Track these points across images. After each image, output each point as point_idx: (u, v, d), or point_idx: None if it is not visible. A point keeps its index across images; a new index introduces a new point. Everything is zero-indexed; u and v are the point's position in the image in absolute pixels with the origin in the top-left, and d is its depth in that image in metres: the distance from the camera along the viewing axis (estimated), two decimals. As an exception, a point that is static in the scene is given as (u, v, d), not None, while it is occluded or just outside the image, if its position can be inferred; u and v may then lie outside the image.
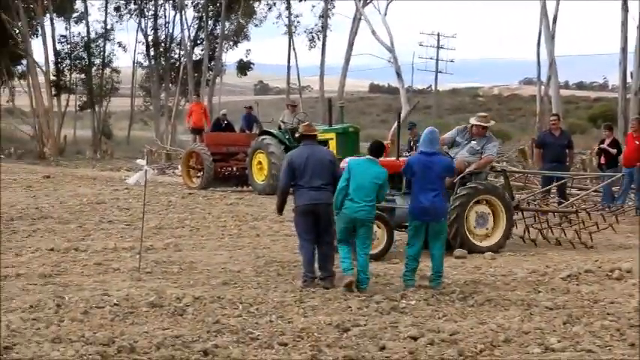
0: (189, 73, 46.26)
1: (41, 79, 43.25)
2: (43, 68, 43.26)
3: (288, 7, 47.21)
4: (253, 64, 52.13)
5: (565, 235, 13.91)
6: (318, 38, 46.70)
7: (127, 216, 16.74)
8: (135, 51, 51.78)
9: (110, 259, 11.91)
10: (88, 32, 49.74)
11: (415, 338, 7.72)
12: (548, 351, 7.40)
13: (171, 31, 50.87)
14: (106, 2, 50.31)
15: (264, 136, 22.36)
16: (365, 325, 8.24)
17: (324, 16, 45.49)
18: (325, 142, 19.65)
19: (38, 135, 42.43)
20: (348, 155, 15.55)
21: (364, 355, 7.25)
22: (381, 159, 10.60)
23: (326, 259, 10.33)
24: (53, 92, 45.61)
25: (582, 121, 56.84)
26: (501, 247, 13.01)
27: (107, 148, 43.52)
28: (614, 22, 31.34)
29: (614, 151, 18.54)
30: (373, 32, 35.64)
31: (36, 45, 46.76)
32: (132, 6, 50.67)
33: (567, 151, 17.72)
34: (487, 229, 12.99)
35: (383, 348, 7.45)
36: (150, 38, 50.70)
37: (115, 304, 8.75)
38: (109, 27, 50.65)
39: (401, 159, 12.85)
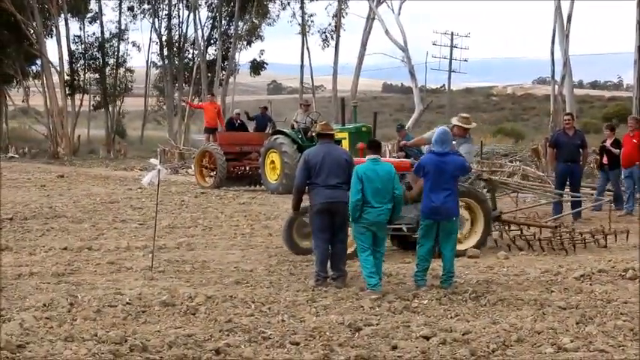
0: (202, 73, 46.33)
1: (55, 78, 43.43)
2: (58, 68, 43.43)
3: (302, 7, 47.24)
4: (267, 63, 52.19)
5: (552, 246, 13.43)
6: (332, 38, 46.72)
7: (140, 215, 16.79)
8: (149, 51, 52.01)
9: (123, 258, 11.94)
10: (102, 32, 49.98)
11: (427, 338, 7.71)
12: (560, 351, 7.37)
13: (184, 30, 51.04)
14: (120, 2, 50.53)
15: (277, 136, 22.38)
16: (377, 324, 8.23)
17: (338, 15, 45.47)
18: (338, 142, 19.65)
19: (52, 134, 42.59)
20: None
21: (376, 355, 7.24)
22: (356, 159, 10.76)
23: (339, 259, 10.33)
24: (67, 92, 45.78)
25: (596, 121, 56.58)
26: (482, 245, 12.68)
27: (120, 148, 43.67)
28: (629, 21, 31.19)
29: (616, 151, 18.47)
30: (387, 32, 35.62)
31: (50, 45, 46.96)
32: (145, 6, 50.84)
33: (581, 150, 17.65)
34: (461, 233, 12.41)
35: (395, 347, 7.44)
36: (164, 38, 50.83)
37: (128, 303, 8.77)
38: (123, 27, 50.89)
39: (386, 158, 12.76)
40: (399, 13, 36.92)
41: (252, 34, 50.13)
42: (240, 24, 48.11)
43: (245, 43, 50.11)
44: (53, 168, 31.76)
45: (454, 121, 12.98)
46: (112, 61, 50.69)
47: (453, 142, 12.71)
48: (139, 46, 52.94)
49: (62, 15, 45.91)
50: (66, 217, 16.29)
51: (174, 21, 51.12)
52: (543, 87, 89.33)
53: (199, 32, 48.70)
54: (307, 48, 46.93)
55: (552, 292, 9.87)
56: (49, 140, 43.05)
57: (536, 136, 45.67)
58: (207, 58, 48.48)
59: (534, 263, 11.92)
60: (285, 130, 22.83)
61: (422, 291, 9.78)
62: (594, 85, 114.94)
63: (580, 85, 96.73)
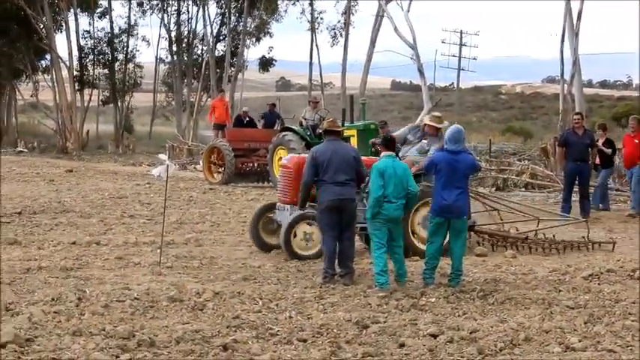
0: (211, 69, 46.36)
1: (65, 73, 43.51)
2: (67, 63, 43.51)
3: (312, 4, 47.21)
4: (275, 60, 52.19)
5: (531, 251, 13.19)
6: (341, 35, 46.70)
7: (148, 211, 16.81)
8: (158, 46, 52.05)
9: (131, 254, 11.96)
10: (112, 27, 50.05)
11: (435, 336, 7.70)
12: (568, 350, 7.36)
13: (193, 26, 51.08)
14: (130, -2, 50.53)
15: (285, 133, 22.38)
16: (384, 322, 8.23)
17: (347, 12, 45.44)
18: (347, 139, 19.62)
19: (61, 129, 42.66)
20: (369, 153, 15.53)
21: (383, 352, 7.24)
22: None
23: (346, 256, 10.34)
24: (76, 87, 45.88)
25: (605, 120, 56.43)
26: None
27: (129, 143, 43.73)
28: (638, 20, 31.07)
29: (608, 150, 18.53)
30: (396, 29, 35.53)
31: (60, 40, 47.10)
32: (155, 1, 50.86)
33: (590, 149, 17.62)
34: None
35: (402, 345, 7.44)
36: (173, 34, 50.87)
37: (136, 298, 8.78)
38: (132, 22, 50.93)
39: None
40: (409, 11, 36.84)
41: (261, 31, 50.14)
42: (249, 20, 48.11)
43: (254, 39, 50.14)
44: (62, 163, 31.82)
45: (426, 119, 12.90)
46: (121, 56, 50.79)
47: (424, 141, 12.62)
48: (148, 42, 52.90)
49: (72, 10, 45.98)
50: (74, 212, 16.32)
51: (184, 17, 51.23)
52: (552, 86, 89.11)
53: (208, 28, 48.79)
54: (316, 45, 46.96)
55: (560, 291, 9.85)
56: (58, 135, 43.13)
57: (545, 135, 45.58)
58: (216, 54, 48.49)
59: (542, 262, 11.90)
60: (293, 127, 22.82)
61: (430, 289, 9.78)
62: (604, 84, 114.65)
63: (589, 84, 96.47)
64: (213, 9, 50.80)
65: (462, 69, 68.47)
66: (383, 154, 10.24)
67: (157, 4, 50.77)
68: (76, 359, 6.64)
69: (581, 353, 7.25)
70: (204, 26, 48.68)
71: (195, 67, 50.74)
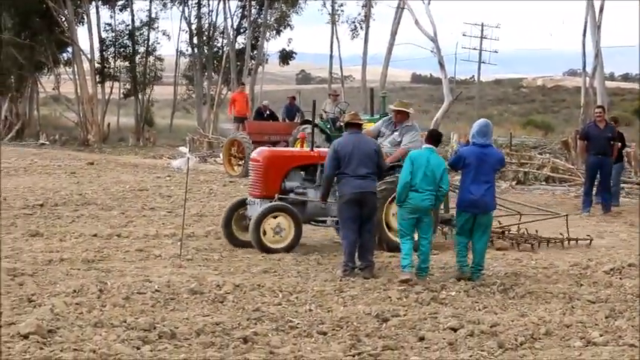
0: (231, 62, 46.39)
1: (86, 66, 43.63)
2: (89, 56, 43.65)
3: (332, -4, 47.07)
4: (295, 53, 52.13)
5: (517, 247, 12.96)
6: (361, 27, 46.54)
7: (168, 203, 16.87)
8: (178, 39, 52.12)
9: (152, 246, 12.01)
10: (133, 20, 50.10)
11: (455, 329, 7.70)
12: (590, 345, 7.34)
13: (214, 19, 51.03)
14: (151, -10, 50.59)
15: (305, 126, 22.38)
16: (404, 315, 8.23)
17: (367, 5, 45.31)
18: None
19: (82, 122, 42.79)
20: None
21: (403, 345, 7.25)
22: (297, 150, 10.72)
23: (366, 249, 10.34)
24: (98, 80, 46.00)
25: (627, 114, 56.03)
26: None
27: (150, 136, 43.82)
28: (662, 13, 30.82)
29: (618, 144, 18.36)
30: (416, 22, 35.35)
31: (81, 33, 47.19)
32: (176, -6, 50.88)
33: (612, 143, 17.51)
34: None
35: (422, 338, 7.44)
36: (193, 27, 50.93)
37: (157, 291, 8.83)
38: (153, 15, 50.99)
39: (316, 150, 12.56)
40: (429, 3, 36.67)
41: (282, 23, 50.09)
42: (270, 13, 48.08)
43: (274, 32, 50.10)
44: (83, 155, 31.96)
45: (390, 106, 12.62)
46: (141, 49, 50.83)
47: (395, 133, 12.28)
48: (168, 35, 52.90)
49: (93, 2, 46.10)
50: (96, 205, 16.40)
51: (204, 9, 51.17)
52: (574, 79, 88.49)
53: (229, 21, 48.73)
54: (337, 38, 46.82)
55: (581, 285, 9.82)
56: (80, 128, 43.28)
57: (566, 129, 45.31)
58: (237, 47, 48.51)
59: (563, 256, 11.85)
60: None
61: (450, 282, 9.77)
62: (626, 77, 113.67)
63: (611, 77, 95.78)
64: (233, 2, 50.89)
65: (483, 62, 68.19)
66: (424, 145, 10.24)
67: (178, -3, 50.79)
68: (98, 350, 6.68)
69: (602, 348, 7.22)
70: (225, 19, 48.63)
71: (216, 60, 50.76)
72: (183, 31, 51.62)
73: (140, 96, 50.09)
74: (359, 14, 47.42)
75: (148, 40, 50.65)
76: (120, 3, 49.91)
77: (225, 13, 48.56)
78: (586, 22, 30.67)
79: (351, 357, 6.93)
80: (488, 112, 61.77)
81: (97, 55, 46.09)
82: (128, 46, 50.06)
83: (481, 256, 10.13)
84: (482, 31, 68.30)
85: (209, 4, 51.07)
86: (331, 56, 47.07)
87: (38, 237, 12.53)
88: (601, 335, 7.55)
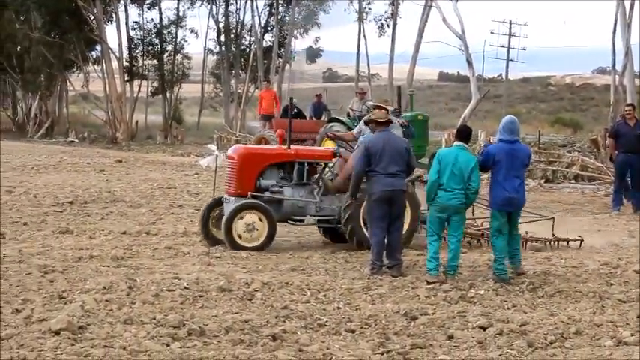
0: (258, 60, 46.48)
1: (115, 64, 43.91)
2: (117, 54, 43.93)
3: (360, -6, 46.98)
4: (322, 51, 52.15)
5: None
6: (388, 25, 46.45)
7: (196, 201, 16.92)
8: (206, 37, 52.25)
9: (180, 243, 12.07)
10: (161, 19, 50.31)
11: (484, 328, 7.67)
12: (620, 344, 7.28)
13: (241, 17, 51.17)
14: (178, -12, 50.77)
15: (332, 123, 22.39)
16: (433, 313, 8.21)
17: (395, 3, 45.21)
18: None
19: (111, 120, 43.09)
20: (418, 143, 15.45)
21: (432, 344, 7.23)
22: (273, 147, 10.66)
23: (395, 247, 10.33)
24: (126, 78, 46.28)
25: (657, 112, 55.41)
26: (409, 240, 11.88)
27: (177, 134, 44.00)
28: (693, 10, 30.48)
29: None
30: (444, 20, 35.27)
31: (110, 31, 47.49)
32: (203, -8, 51.03)
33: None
34: None
35: (451, 337, 7.42)
36: (221, 25, 51.07)
37: (185, 288, 8.87)
38: (180, 13, 51.18)
39: (292, 147, 12.43)
40: (457, 1, 36.53)
41: (309, 21, 50.10)
42: (297, 11, 48.10)
43: (301, 30, 50.12)
44: (112, 153, 32.20)
45: (368, 103, 12.46)
46: (169, 47, 51.05)
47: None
48: (196, 33, 53.01)
49: (122, 1, 46.40)
50: (124, 202, 16.51)
51: (232, 8, 51.32)
52: (603, 77, 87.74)
53: (256, 19, 48.85)
54: (364, 36, 46.77)
55: (612, 284, 9.74)
56: (108, 125, 43.57)
57: (595, 127, 44.94)
58: (264, 45, 48.59)
59: (593, 255, 11.76)
60: (340, 117, 22.81)
61: (478, 281, 9.73)
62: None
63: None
64: (261, 0, 50.88)
65: (511, 59, 67.72)
66: (454, 143, 10.18)
67: (206, -5, 50.93)
68: (128, 347, 6.73)
69: (633, 347, 7.17)
70: (252, 17, 48.79)
71: (243, 58, 50.87)
72: (211, 29, 51.82)
73: (168, 94, 50.31)
74: (386, 12, 47.34)
75: (176, 38, 50.87)
76: (148, 1, 50.12)
77: (252, 11, 48.69)
78: (616, 20, 30.42)
79: (379, 355, 6.92)
80: (516, 110, 61.39)
81: (125, 53, 46.39)
82: (156, 44, 50.28)
83: (518, 247, 10.17)
84: (510, 28, 67.88)
85: (236, 2, 51.20)
86: (358, 54, 47.06)
87: (68, 234, 12.63)
88: (632, 335, 7.48)
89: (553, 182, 23.04)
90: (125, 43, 46.22)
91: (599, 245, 12.64)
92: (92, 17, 42.90)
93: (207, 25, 51.67)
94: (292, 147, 12.49)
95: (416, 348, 7.08)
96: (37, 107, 46.71)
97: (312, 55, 51.21)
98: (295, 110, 26.73)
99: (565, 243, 12.59)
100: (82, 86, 50.39)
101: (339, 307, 8.40)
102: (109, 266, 10.16)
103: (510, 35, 67.73)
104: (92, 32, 43.07)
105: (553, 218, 13.08)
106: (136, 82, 49.17)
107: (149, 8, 50.60)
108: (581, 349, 7.16)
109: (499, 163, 9.96)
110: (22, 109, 48.67)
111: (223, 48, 51.42)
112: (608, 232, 13.30)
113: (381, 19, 47.38)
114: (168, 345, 6.89)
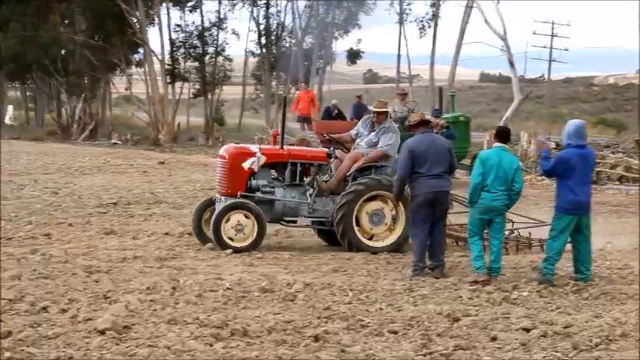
0: (299, 62, 46.59)
1: (157, 67, 44.27)
2: (159, 57, 44.30)
3: (401, -4, 46.91)
4: (363, 52, 52.10)
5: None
6: (429, 26, 46.31)
7: (238, 202, 16.97)
8: (247, 39, 52.51)
9: (223, 244, 12.10)
10: (202, 21, 50.63)
11: (527, 330, 7.62)
12: (667, 347, 7.18)
13: (282, 19, 51.33)
14: (220, -9, 51.05)
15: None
16: (476, 315, 8.17)
17: (436, 4, 45.06)
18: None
19: (153, 122, 43.43)
20: (460, 144, 15.37)
21: (475, 345, 7.19)
22: (265, 147, 10.64)
23: (437, 248, 10.30)
24: (168, 80, 46.63)
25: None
26: (401, 246, 11.88)
27: (219, 136, 44.21)
28: None
29: None
30: (486, 20, 35.11)
31: (152, 34, 47.90)
32: (245, -5, 51.27)
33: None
34: (386, 224, 11.90)
35: (494, 339, 7.38)
36: (262, 27, 51.27)
37: (228, 288, 8.93)
38: (222, 16, 51.46)
39: (285, 148, 12.35)
40: (499, 1, 36.38)
41: (349, 23, 50.10)
42: (338, 12, 48.14)
43: (342, 31, 50.15)
44: (154, 154, 32.45)
45: (373, 108, 12.36)
46: (211, 49, 51.33)
47: (372, 133, 12.12)
48: (237, 35, 53.31)
49: (164, 4, 46.75)
50: (167, 203, 16.64)
51: (273, 10, 51.50)
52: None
53: (297, 21, 48.98)
54: (404, 37, 46.71)
55: (658, 287, 9.61)
56: (151, 127, 43.93)
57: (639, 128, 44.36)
58: (304, 47, 48.68)
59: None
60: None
61: (522, 282, 9.66)
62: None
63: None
64: (302, 1, 51.03)
65: (553, 60, 67.00)
66: (495, 144, 10.14)
67: (247, -2, 51.17)
68: (172, 347, 6.78)
69: (679, 350, 7.06)
70: (293, 19, 48.92)
71: (284, 60, 51.02)
72: (252, 31, 52.03)
73: (209, 96, 50.61)
74: (427, 13, 47.19)
75: (217, 40, 51.14)
76: (190, 4, 50.48)
77: (293, 13, 48.82)
78: (661, 19, 29.97)
79: (422, 356, 6.91)
80: (559, 111, 60.86)
81: (167, 55, 46.75)
82: (198, 46, 50.60)
83: (590, 257, 10.00)
84: (552, 29, 67.23)
85: (277, 4, 51.36)
86: (399, 55, 46.98)
87: (112, 235, 12.76)
88: (678, 337, 7.38)
89: (597, 183, 22.77)
90: (167, 46, 46.61)
91: None
92: (135, 20, 43.30)
93: (249, 27, 51.97)
94: (285, 147, 12.40)
95: (459, 350, 7.05)
96: (81, 110, 47.20)
97: (353, 56, 51.09)
98: (337, 112, 26.77)
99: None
100: (125, 89, 50.91)
101: (381, 309, 8.39)
102: (152, 267, 10.25)
103: (553, 35, 67.09)
104: (135, 35, 43.46)
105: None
106: (178, 84, 49.53)
107: (191, 11, 50.94)
108: (627, 351, 7.08)
109: (574, 168, 9.78)
110: (66, 112, 49.18)
111: (264, 50, 51.61)
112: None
113: (422, 21, 47.27)
114: (211, 345, 6.93)
